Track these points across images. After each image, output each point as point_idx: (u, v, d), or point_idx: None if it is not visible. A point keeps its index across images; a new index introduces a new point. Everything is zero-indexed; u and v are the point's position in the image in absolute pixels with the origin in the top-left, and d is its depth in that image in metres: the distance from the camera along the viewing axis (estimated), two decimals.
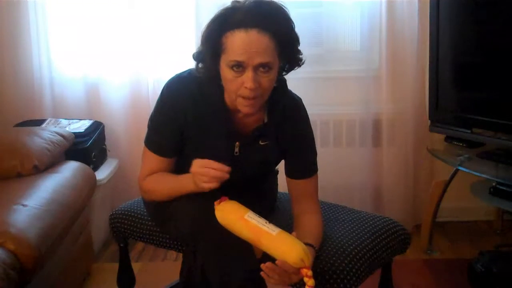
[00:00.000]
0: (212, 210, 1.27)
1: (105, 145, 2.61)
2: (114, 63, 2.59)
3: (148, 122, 1.45)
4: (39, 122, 2.50)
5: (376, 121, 2.57)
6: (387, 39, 2.47)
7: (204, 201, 1.30)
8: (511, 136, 1.97)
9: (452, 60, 2.21)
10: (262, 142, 1.41)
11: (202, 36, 1.30)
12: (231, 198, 1.29)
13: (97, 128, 2.53)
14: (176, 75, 1.41)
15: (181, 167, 1.43)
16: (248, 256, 1.26)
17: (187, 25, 2.49)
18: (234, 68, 1.24)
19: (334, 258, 1.34)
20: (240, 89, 1.25)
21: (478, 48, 2.10)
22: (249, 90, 1.24)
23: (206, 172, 1.23)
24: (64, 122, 2.52)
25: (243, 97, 1.26)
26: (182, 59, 2.44)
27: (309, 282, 1.18)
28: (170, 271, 2.21)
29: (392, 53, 2.49)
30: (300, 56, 1.34)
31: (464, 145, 2.22)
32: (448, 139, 2.30)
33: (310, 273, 1.19)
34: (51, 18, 2.58)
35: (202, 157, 1.28)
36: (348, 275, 1.30)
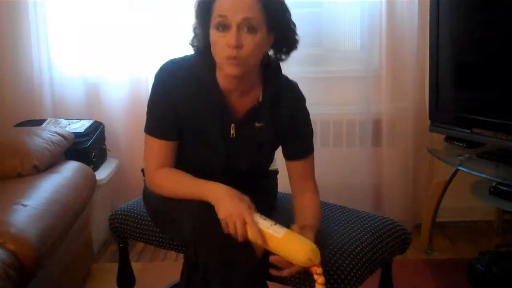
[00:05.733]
0: (214, 211, 1.26)
1: (105, 145, 2.61)
2: (114, 63, 2.59)
3: (147, 110, 1.45)
4: (39, 122, 2.50)
5: (376, 121, 2.57)
6: (387, 39, 2.47)
7: (206, 206, 1.29)
8: (511, 136, 1.97)
9: (452, 60, 2.21)
10: (258, 123, 1.41)
11: (194, 8, 1.35)
12: None
13: (97, 128, 2.53)
14: (170, 59, 1.43)
15: (181, 153, 1.43)
16: (249, 256, 1.26)
17: (187, 25, 2.48)
18: (220, 28, 1.26)
19: (334, 258, 1.34)
20: (224, 50, 1.27)
21: (478, 48, 2.10)
22: (231, 49, 1.25)
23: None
24: (64, 122, 2.52)
25: (227, 58, 1.27)
26: None
27: (319, 279, 1.19)
28: (170, 271, 2.21)
29: (392, 53, 2.49)
30: (295, 35, 1.36)
31: (464, 145, 2.21)
32: (448, 139, 2.30)
33: (320, 270, 1.19)
34: (51, 18, 2.57)
35: (199, 139, 1.31)
36: (348, 275, 1.30)
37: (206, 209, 1.28)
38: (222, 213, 1.24)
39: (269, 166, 1.62)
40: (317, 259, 1.19)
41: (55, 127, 2.44)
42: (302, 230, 1.28)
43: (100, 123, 2.59)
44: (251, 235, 1.22)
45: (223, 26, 1.26)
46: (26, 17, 2.55)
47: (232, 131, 1.40)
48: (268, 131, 1.42)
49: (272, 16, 1.29)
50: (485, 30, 2.05)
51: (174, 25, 2.51)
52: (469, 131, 2.12)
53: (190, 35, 1.41)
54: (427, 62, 2.27)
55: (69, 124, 2.49)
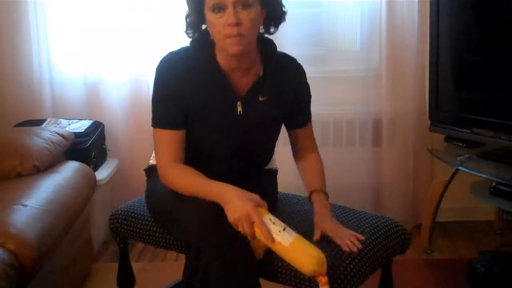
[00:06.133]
0: (217, 213, 1.27)
1: (105, 145, 2.61)
2: (114, 63, 2.59)
3: (152, 105, 1.45)
4: (39, 122, 2.50)
5: (376, 121, 2.57)
6: (387, 39, 2.47)
7: (210, 206, 1.30)
8: (511, 136, 1.97)
9: (452, 60, 2.21)
10: (261, 97, 1.44)
11: None
12: None
13: (97, 128, 2.53)
14: (168, 52, 1.44)
15: (191, 143, 1.44)
16: (249, 257, 1.27)
17: None
18: (216, 10, 1.29)
19: (334, 258, 1.34)
20: (224, 29, 1.29)
21: (478, 48, 2.10)
22: (231, 27, 1.28)
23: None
24: (64, 122, 2.52)
25: (228, 37, 1.30)
26: None
27: None
28: (170, 271, 2.21)
29: (392, 53, 2.49)
30: (283, 7, 1.41)
31: (464, 145, 2.21)
32: (448, 139, 2.30)
33: (325, 280, 1.19)
34: (51, 18, 2.57)
35: (208, 124, 1.37)
36: (348, 275, 1.30)
37: (209, 210, 1.29)
38: (230, 216, 1.25)
39: (274, 146, 1.63)
40: (323, 269, 1.18)
41: (55, 127, 2.43)
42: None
43: (100, 123, 2.58)
44: (260, 235, 1.23)
45: (219, 8, 1.29)
46: (26, 17, 2.55)
47: (239, 108, 1.42)
48: (272, 104, 1.45)
49: None
50: (485, 30, 2.05)
51: (174, 25, 2.51)
52: (469, 131, 2.12)
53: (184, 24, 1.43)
54: (427, 62, 2.27)
55: (69, 124, 2.49)
